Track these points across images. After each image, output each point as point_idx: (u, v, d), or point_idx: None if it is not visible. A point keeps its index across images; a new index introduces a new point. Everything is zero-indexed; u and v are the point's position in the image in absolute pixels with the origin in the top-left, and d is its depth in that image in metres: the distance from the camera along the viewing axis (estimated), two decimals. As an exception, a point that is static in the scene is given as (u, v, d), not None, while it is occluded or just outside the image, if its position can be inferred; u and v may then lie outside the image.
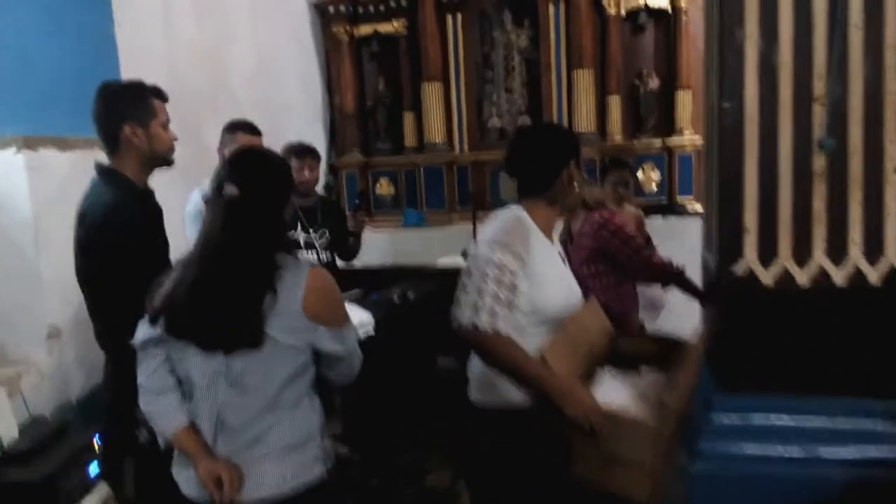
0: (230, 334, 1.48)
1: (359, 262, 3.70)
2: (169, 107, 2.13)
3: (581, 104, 4.93)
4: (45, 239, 2.83)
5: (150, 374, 1.61)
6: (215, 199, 1.55)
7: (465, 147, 5.33)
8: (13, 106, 2.87)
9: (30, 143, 2.80)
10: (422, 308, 3.65)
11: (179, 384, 1.59)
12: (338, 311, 1.60)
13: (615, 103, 4.99)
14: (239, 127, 2.91)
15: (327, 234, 3.33)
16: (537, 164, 1.84)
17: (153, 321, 1.57)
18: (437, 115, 5.23)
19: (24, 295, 2.84)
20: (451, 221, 5.23)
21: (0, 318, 2.84)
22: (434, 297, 3.75)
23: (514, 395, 1.72)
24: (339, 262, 3.54)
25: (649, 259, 2.72)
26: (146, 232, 1.99)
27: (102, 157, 2.08)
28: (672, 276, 2.69)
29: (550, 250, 1.84)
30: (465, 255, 3.23)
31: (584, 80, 4.93)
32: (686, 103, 4.89)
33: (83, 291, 2.03)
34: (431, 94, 5.21)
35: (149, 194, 2.11)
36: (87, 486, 2.37)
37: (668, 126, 4.98)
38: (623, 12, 4.94)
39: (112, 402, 2.05)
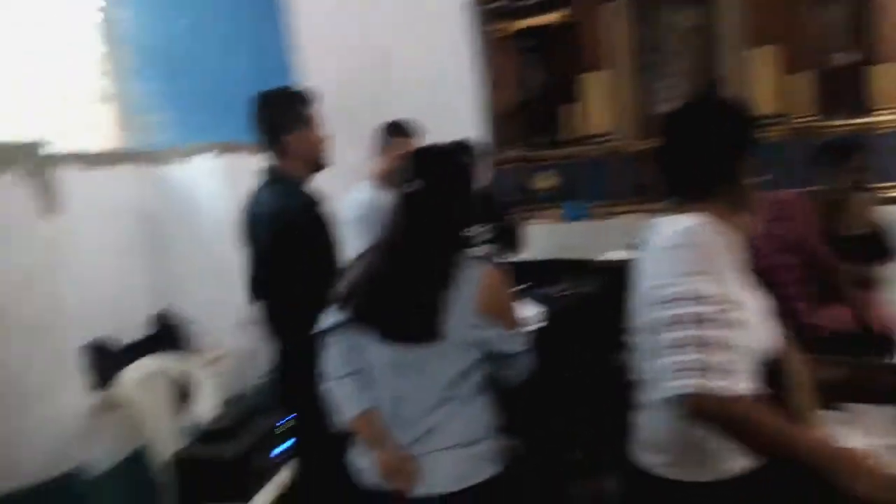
0: (408, 326, 1.53)
1: (520, 256, 3.69)
2: (340, 111, 2.28)
3: (762, 84, 4.55)
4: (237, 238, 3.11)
5: (334, 359, 1.69)
6: (400, 194, 1.60)
7: (630, 136, 5.12)
8: (210, 115, 3.18)
9: (225, 148, 3.08)
10: (589, 303, 3.56)
11: (362, 371, 1.66)
12: (510, 310, 1.60)
13: (801, 81, 4.55)
14: (394, 129, 2.99)
15: (490, 229, 3.35)
16: (712, 152, 1.37)
17: (340, 307, 1.65)
18: (599, 105, 5.08)
19: (222, 288, 3.13)
20: (613, 214, 5.06)
21: (202, 309, 3.16)
22: (600, 292, 3.65)
23: (730, 462, 1.35)
24: (502, 257, 3.55)
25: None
26: (324, 234, 2.11)
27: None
28: None
29: (742, 271, 1.39)
30: (632, 247, 3.10)
31: (766, 57, 4.54)
32: (887, 77, 4.34)
33: (257, 293, 2.19)
34: (593, 83, 5.07)
35: (318, 197, 2.24)
36: (274, 466, 2.56)
37: (862, 104, 4.46)
38: (809, -20, 4.49)
39: (288, 392, 2.20)
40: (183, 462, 2.39)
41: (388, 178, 2.83)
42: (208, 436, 2.51)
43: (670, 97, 5.05)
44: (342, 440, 1.72)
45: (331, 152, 2.24)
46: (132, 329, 2.97)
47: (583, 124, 5.15)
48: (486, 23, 5.41)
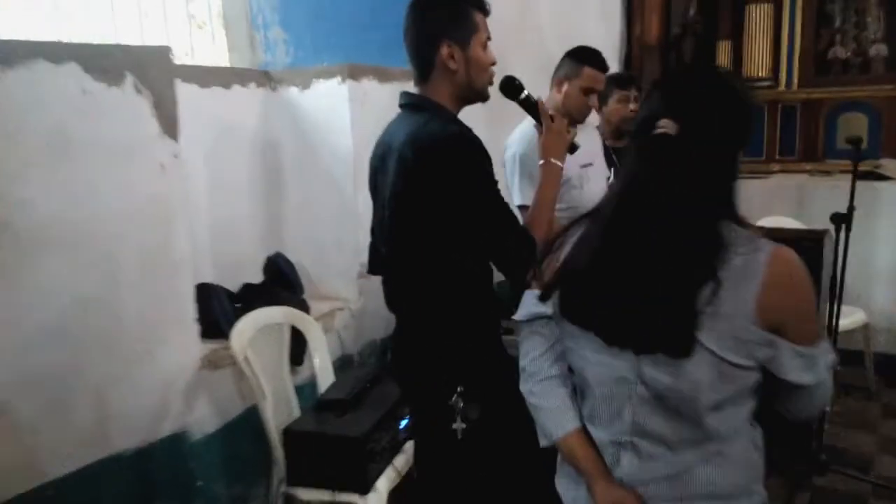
0: (646, 330, 1.08)
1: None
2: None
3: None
4: (362, 175, 2.71)
5: (535, 357, 1.29)
6: (641, 138, 1.13)
7: (796, 83, 4.39)
8: (335, 32, 2.76)
9: (353, 73, 2.67)
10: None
11: (571, 374, 1.25)
12: (808, 316, 1.12)
13: None
14: (588, 58, 2.37)
15: None
16: None
17: (544, 297, 1.23)
18: (762, 44, 4.36)
19: (341, 232, 2.78)
20: (769, 172, 4.39)
21: (318, 254, 2.82)
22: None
23: None
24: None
25: None
26: (490, 178, 1.61)
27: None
28: None
29: None
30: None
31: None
32: None
33: (395, 245, 1.65)
34: (757, 17, 4.34)
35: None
36: (398, 445, 2.22)
37: None
38: None
39: (422, 381, 1.68)
40: (296, 436, 2.07)
41: (563, 113, 2.33)
42: (323, 406, 2.18)
43: (848, 40, 4.28)
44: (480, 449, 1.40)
45: (492, 79, 1.73)
46: (245, 273, 2.66)
47: (740, 66, 4.46)
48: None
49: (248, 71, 2.78)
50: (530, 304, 1.29)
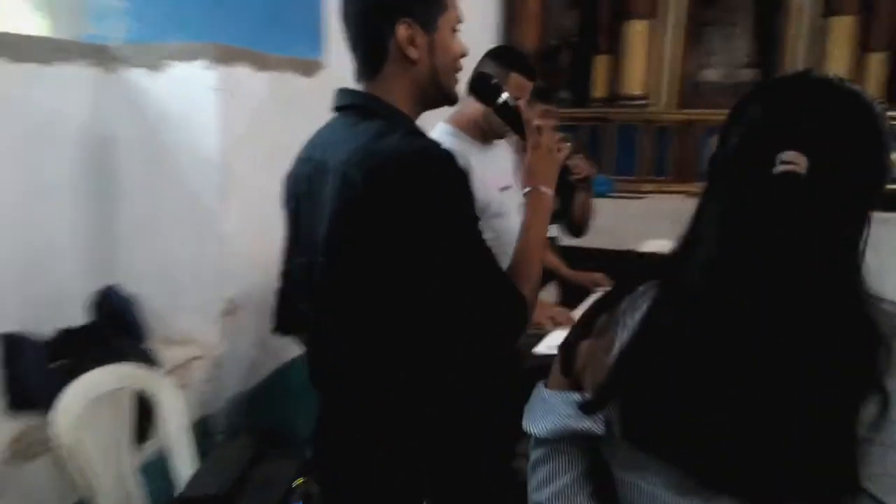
0: (775, 469, 0.72)
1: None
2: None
3: (835, 60, 3.91)
4: (231, 183, 2.15)
5: (562, 488, 0.88)
6: (747, 177, 0.76)
7: (669, 103, 4.41)
8: (203, 4, 2.17)
9: (222, 55, 2.08)
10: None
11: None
12: None
13: (877, 62, 3.95)
14: (514, 62, 1.95)
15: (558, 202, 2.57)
16: None
17: (591, 407, 0.83)
18: (639, 62, 4.32)
19: (200, 257, 2.17)
20: (642, 192, 4.36)
21: (167, 286, 2.19)
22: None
23: None
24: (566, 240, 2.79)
25: None
26: (471, 205, 1.15)
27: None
28: None
29: None
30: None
31: (842, 29, 3.90)
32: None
33: (329, 302, 1.15)
34: (635, 34, 4.29)
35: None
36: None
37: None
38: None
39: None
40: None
41: (479, 127, 1.93)
42: None
43: (720, 62, 4.36)
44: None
45: (458, 74, 1.28)
46: (66, 313, 1.97)
47: (617, 82, 4.39)
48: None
49: (77, 44, 2.09)
50: (563, 412, 0.87)
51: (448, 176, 1.04)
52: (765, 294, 0.74)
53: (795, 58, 4.06)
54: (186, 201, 2.17)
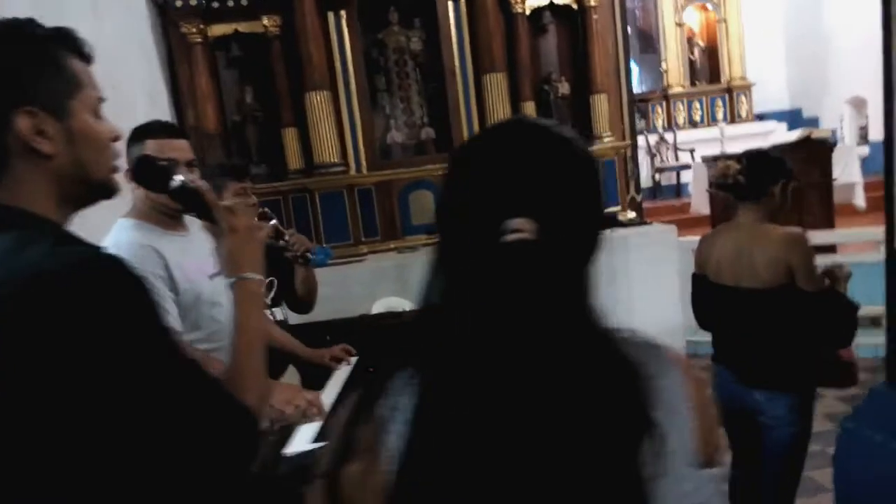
0: None
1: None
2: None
3: (495, 112, 4.39)
4: None
5: None
6: (487, 250, 0.70)
7: (364, 166, 4.52)
8: None
9: None
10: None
11: None
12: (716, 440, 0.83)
13: (529, 110, 4.53)
14: (146, 132, 1.70)
15: (275, 283, 2.42)
16: None
17: None
18: (327, 130, 4.37)
19: None
20: (360, 254, 4.37)
21: None
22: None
23: None
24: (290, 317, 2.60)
25: None
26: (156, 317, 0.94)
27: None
28: None
29: None
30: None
31: (496, 85, 4.41)
32: (601, 107, 4.58)
33: None
34: (318, 105, 4.33)
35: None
36: None
37: (584, 133, 4.64)
38: (527, 11, 4.52)
39: None
40: None
41: (163, 212, 1.66)
42: None
43: (401, 125, 4.60)
44: None
45: (116, 162, 1.05)
46: None
47: (310, 152, 4.36)
48: (175, 24, 4.26)
49: None
50: None
51: (114, 289, 0.81)
52: (523, 361, 0.69)
53: (462, 114, 4.47)
54: None
